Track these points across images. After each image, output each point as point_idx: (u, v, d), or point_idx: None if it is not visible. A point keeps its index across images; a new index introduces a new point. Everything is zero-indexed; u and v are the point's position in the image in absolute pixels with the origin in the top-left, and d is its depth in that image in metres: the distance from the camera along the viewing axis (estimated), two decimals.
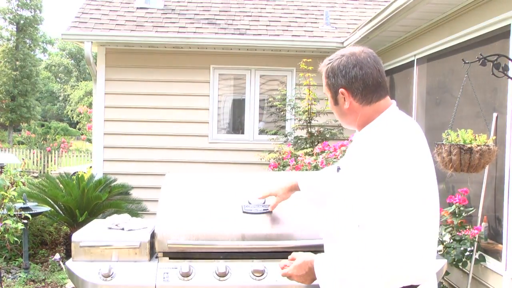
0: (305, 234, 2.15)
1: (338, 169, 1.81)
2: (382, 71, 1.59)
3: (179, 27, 6.86)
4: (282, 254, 2.19)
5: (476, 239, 3.53)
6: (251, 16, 7.36)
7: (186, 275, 2.09)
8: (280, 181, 2.19)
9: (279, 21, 7.23)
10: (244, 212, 2.28)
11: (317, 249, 1.97)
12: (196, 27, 6.88)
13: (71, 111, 36.33)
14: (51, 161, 16.03)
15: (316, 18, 7.40)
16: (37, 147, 16.32)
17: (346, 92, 1.58)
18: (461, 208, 3.67)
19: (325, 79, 1.65)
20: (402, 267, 1.35)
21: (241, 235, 2.19)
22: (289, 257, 1.71)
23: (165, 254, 2.20)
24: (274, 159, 5.83)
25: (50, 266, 5.45)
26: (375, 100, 1.57)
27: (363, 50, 1.60)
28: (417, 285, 1.45)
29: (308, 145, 5.91)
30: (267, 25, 7.09)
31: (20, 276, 5.01)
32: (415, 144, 1.47)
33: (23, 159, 14.78)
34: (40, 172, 15.13)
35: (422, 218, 1.39)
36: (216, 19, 7.17)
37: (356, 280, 1.38)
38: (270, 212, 2.28)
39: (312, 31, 6.96)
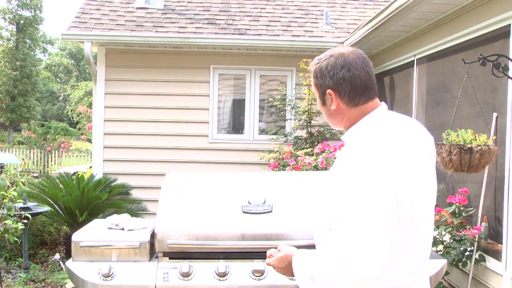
0: (304, 234, 2.15)
1: None
2: (371, 73, 1.57)
3: (179, 27, 6.86)
4: None
5: (476, 239, 3.53)
6: (251, 16, 7.36)
7: (186, 275, 2.09)
8: None
9: (279, 21, 7.23)
10: (244, 212, 2.28)
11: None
12: (196, 27, 6.88)
13: (71, 111, 36.34)
14: (51, 161, 16.03)
15: (316, 18, 7.39)
16: (37, 147, 16.32)
17: (334, 93, 1.56)
18: (461, 208, 3.67)
19: (314, 79, 1.63)
20: (365, 271, 1.32)
21: (241, 235, 2.19)
22: (278, 247, 1.72)
23: (165, 254, 2.20)
24: (274, 159, 5.83)
25: (50, 266, 5.45)
26: (362, 102, 1.55)
27: (352, 51, 1.57)
28: None
29: (308, 145, 5.91)
30: (267, 25, 7.09)
31: (20, 276, 5.01)
32: (394, 146, 1.42)
33: (23, 159, 14.79)
34: (40, 172, 15.13)
35: (391, 222, 1.34)
36: (216, 19, 7.17)
37: (323, 280, 1.39)
38: (270, 212, 2.28)
39: (312, 31, 6.96)
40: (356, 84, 1.54)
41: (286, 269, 1.63)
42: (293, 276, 1.61)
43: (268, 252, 1.74)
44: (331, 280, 1.37)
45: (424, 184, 1.47)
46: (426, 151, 1.52)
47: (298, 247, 2.13)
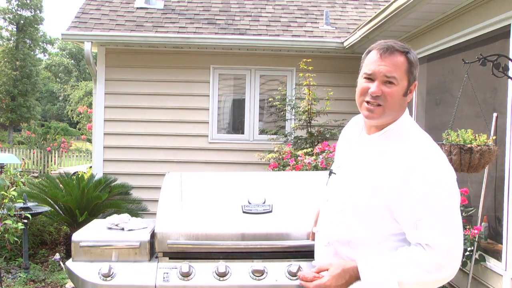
0: (305, 234, 2.15)
1: (331, 172, 1.79)
2: None
3: (179, 27, 6.86)
4: (282, 254, 2.19)
5: (476, 239, 3.53)
6: (251, 16, 7.36)
7: (186, 275, 2.09)
8: None
9: (279, 21, 7.23)
10: (244, 212, 2.28)
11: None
12: (196, 27, 6.88)
13: (71, 111, 36.30)
14: (51, 161, 16.03)
15: (316, 18, 7.39)
16: (37, 147, 16.32)
17: (416, 84, 1.62)
18: (461, 208, 3.67)
19: (407, 65, 1.56)
20: (457, 265, 1.43)
21: (241, 235, 2.19)
22: (314, 270, 1.64)
23: (165, 254, 2.20)
24: (274, 159, 5.83)
25: (50, 266, 5.45)
26: None
27: None
28: None
29: (308, 145, 5.90)
30: (267, 25, 7.09)
31: (20, 276, 5.01)
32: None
33: (23, 159, 14.79)
34: (40, 172, 15.13)
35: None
36: (216, 19, 7.17)
37: (416, 283, 1.42)
38: (270, 212, 2.28)
39: (312, 31, 6.96)
40: None
41: (346, 284, 1.53)
42: None
43: (309, 275, 1.61)
44: (426, 277, 1.41)
45: None
46: None
47: (298, 246, 2.13)
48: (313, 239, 2.03)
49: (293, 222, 2.24)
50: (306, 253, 2.11)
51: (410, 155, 1.48)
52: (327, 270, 1.58)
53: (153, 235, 2.26)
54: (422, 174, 1.44)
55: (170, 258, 2.19)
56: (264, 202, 2.33)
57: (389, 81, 1.54)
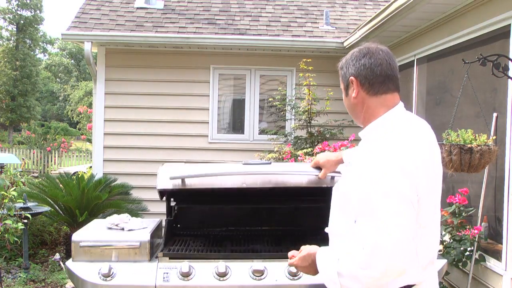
0: (305, 171, 2.33)
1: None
2: (393, 65, 1.63)
3: (179, 27, 6.86)
4: (282, 254, 2.20)
5: (476, 239, 3.53)
6: (251, 16, 7.36)
7: (186, 275, 2.09)
8: (327, 154, 2.24)
9: (279, 21, 7.23)
10: (244, 164, 2.43)
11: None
12: (196, 27, 6.87)
13: (71, 111, 36.30)
14: (51, 161, 16.03)
15: (316, 18, 7.39)
16: (37, 147, 16.32)
17: (355, 80, 1.62)
18: (461, 208, 3.67)
19: (339, 71, 1.71)
20: (392, 261, 1.35)
21: (244, 173, 2.37)
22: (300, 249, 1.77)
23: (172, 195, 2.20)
24: (274, 159, 5.83)
25: (50, 266, 5.45)
26: (382, 91, 1.59)
27: (377, 45, 1.66)
28: (413, 285, 1.48)
29: (308, 145, 5.90)
30: (267, 25, 7.08)
31: (20, 276, 5.01)
32: (416, 146, 1.47)
33: (23, 159, 14.79)
34: (40, 172, 15.13)
35: (413, 216, 1.40)
36: (216, 19, 7.17)
37: (351, 274, 1.41)
38: (269, 164, 2.48)
39: (312, 31, 6.96)
40: (376, 71, 1.59)
41: (310, 267, 1.65)
42: (317, 274, 1.63)
43: (290, 253, 1.77)
44: (358, 272, 1.39)
45: (435, 183, 1.54)
46: (437, 151, 1.59)
47: (303, 187, 2.35)
48: (323, 178, 2.20)
49: (291, 167, 2.43)
50: None
51: (365, 148, 1.54)
52: None
53: (153, 235, 2.27)
54: (361, 170, 1.48)
55: (170, 258, 2.20)
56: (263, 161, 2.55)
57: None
